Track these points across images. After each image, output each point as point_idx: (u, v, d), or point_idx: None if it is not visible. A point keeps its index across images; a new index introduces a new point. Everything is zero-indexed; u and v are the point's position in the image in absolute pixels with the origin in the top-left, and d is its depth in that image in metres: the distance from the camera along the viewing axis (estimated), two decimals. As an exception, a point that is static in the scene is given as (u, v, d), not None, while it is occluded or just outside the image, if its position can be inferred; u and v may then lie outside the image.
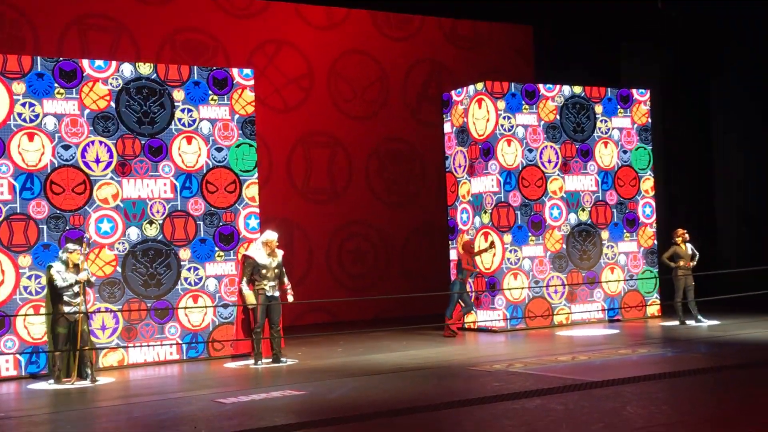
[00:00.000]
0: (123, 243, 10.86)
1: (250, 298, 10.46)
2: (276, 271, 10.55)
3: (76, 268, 9.64)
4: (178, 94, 11.29)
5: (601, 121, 14.19)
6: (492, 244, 12.94)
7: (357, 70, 16.57)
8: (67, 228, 10.53)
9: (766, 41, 16.30)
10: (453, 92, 14.09)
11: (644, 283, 14.34)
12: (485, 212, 13.27)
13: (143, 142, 11.04)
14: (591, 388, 8.11)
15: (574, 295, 13.67)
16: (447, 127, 14.17)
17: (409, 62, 17.09)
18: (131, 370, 10.55)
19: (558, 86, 13.87)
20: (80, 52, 13.74)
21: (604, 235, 14.03)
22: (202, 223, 11.31)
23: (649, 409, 7.16)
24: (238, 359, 10.99)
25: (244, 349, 10.97)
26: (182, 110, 11.30)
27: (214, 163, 11.42)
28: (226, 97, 11.57)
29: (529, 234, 13.39)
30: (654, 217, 14.64)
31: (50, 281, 9.62)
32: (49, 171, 10.51)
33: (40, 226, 10.41)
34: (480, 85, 13.39)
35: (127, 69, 11.03)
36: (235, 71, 11.73)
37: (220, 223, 11.42)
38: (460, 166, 13.84)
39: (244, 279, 10.52)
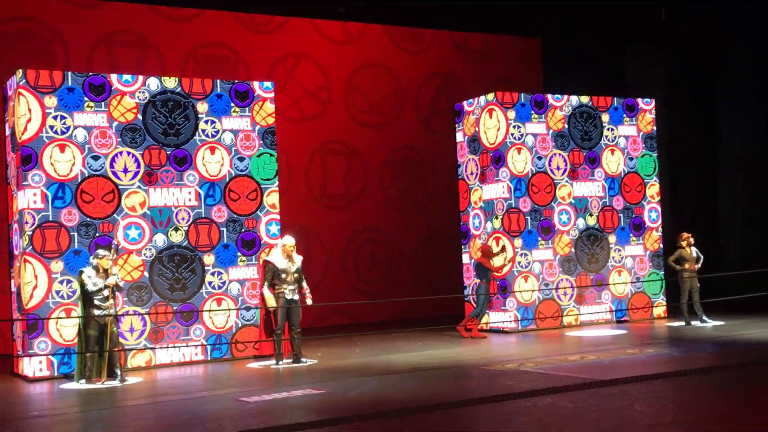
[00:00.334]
0: (150, 249, 10.91)
1: (271, 301, 10.48)
2: (295, 275, 10.56)
3: (106, 272, 9.69)
4: (202, 107, 11.35)
5: (608, 129, 14.15)
6: (503, 249, 12.91)
7: (372, 82, 16.59)
8: (97, 235, 10.60)
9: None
10: (465, 102, 14.10)
11: (651, 285, 14.28)
12: (496, 217, 13.26)
13: (169, 152, 11.10)
14: (599, 386, 8.07)
15: (582, 297, 13.62)
16: (459, 136, 14.17)
17: (422, 74, 17.10)
18: (158, 371, 10.58)
19: (566, 96, 13.84)
20: (109, 67, 13.83)
21: (611, 239, 13.98)
22: (225, 229, 11.35)
23: (656, 407, 7.12)
24: (260, 360, 11.01)
25: (268, 350, 11.01)
26: (206, 122, 11.35)
27: (236, 172, 11.47)
28: (247, 108, 11.62)
29: (539, 238, 13.36)
30: (659, 221, 14.58)
31: (81, 285, 9.68)
32: (79, 180, 10.58)
33: (72, 233, 10.48)
34: (491, 96, 13.39)
35: (153, 83, 11.10)
36: (256, 84, 11.78)
37: (243, 230, 11.45)
38: (472, 174, 13.83)
39: (266, 283, 10.56)
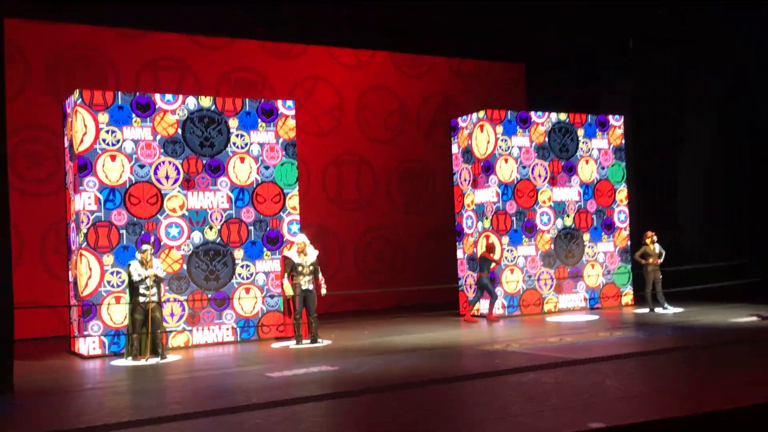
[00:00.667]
0: (188, 245, 10.92)
1: (288, 290, 10.50)
2: (310, 267, 10.54)
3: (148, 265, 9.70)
4: (233, 122, 11.35)
5: (583, 142, 14.10)
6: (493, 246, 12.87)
7: (379, 102, 16.56)
8: (142, 232, 10.61)
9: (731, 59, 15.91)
10: (459, 119, 14.07)
11: (619, 277, 14.23)
12: (486, 218, 13.23)
13: (204, 161, 11.11)
14: (576, 364, 8.05)
15: (560, 287, 13.58)
16: (454, 148, 14.14)
17: (423, 95, 17.07)
18: (195, 350, 10.59)
19: (547, 113, 13.81)
20: (153, 88, 13.84)
21: (586, 237, 13.94)
22: (252, 228, 11.35)
23: (625, 382, 7.11)
24: (282, 341, 11.01)
25: (289, 332, 11.00)
26: (236, 135, 11.35)
27: (262, 179, 11.46)
28: (272, 124, 11.61)
29: (523, 236, 13.33)
30: (627, 222, 14.52)
31: (129, 276, 9.70)
32: (127, 186, 10.60)
33: (121, 231, 10.50)
34: (482, 113, 13.36)
35: (191, 102, 11.11)
36: (279, 103, 11.77)
37: (268, 228, 11.45)
38: (465, 180, 13.80)
39: (285, 275, 10.55)
